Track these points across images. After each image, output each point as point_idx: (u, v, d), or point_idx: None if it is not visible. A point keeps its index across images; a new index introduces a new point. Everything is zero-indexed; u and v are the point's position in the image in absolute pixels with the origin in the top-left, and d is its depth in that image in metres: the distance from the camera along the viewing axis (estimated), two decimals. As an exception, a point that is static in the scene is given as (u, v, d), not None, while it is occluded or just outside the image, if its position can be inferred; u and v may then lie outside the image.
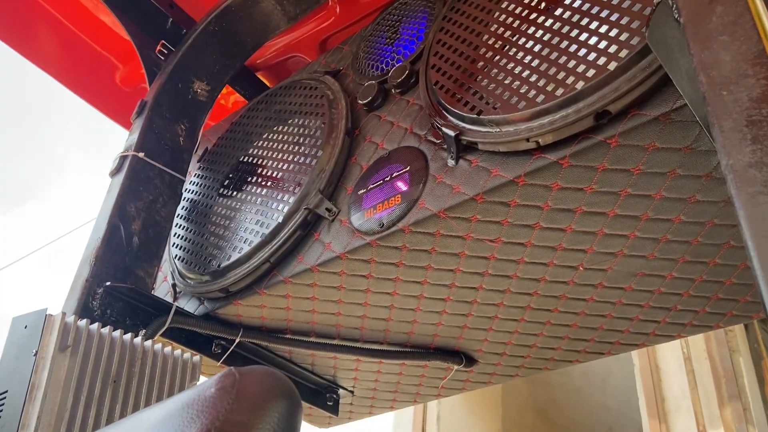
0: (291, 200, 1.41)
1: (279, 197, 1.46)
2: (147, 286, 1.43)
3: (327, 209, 1.36)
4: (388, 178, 1.29)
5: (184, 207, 1.73)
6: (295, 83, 1.72)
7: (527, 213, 1.15)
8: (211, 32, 1.76)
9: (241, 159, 1.68)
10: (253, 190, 1.55)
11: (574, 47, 1.09)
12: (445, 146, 1.22)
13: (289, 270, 1.38)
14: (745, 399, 2.92)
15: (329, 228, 1.35)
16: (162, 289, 1.64)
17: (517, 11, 1.25)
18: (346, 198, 1.36)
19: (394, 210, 1.23)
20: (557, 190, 1.09)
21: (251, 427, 0.55)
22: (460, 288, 1.36)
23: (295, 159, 1.50)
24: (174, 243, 1.65)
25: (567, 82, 1.06)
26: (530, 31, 1.19)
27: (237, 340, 1.53)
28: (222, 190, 1.65)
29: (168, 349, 1.24)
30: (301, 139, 1.52)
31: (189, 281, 1.55)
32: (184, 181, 1.61)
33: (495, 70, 1.20)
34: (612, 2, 1.08)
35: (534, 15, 1.21)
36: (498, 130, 1.12)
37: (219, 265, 1.47)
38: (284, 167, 1.51)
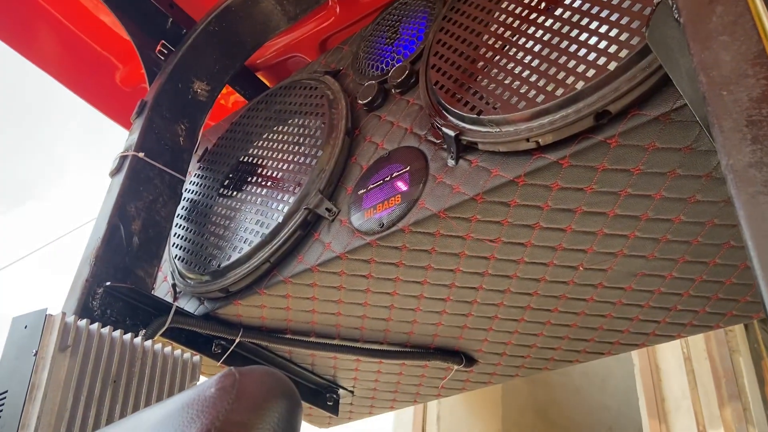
0: (291, 200, 1.41)
1: (279, 197, 1.46)
2: (147, 286, 1.43)
3: (327, 209, 1.36)
4: (388, 178, 1.29)
5: (184, 207, 1.73)
6: (295, 83, 1.72)
7: (527, 213, 1.15)
8: (211, 32, 1.76)
9: (241, 159, 1.68)
10: (253, 190, 1.55)
11: (574, 47, 1.09)
12: (445, 146, 1.22)
13: (289, 270, 1.38)
14: (745, 399, 2.92)
15: (329, 228, 1.35)
16: (162, 289, 1.64)
17: (517, 11, 1.25)
18: (346, 198, 1.36)
19: (394, 210, 1.23)
20: (557, 190, 1.09)
21: (251, 427, 0.55)
22: (460, 288, 1.36)
23: (295, 159, 1.50)
24: (174, 243, 1.65)
25: (567, 82, 1.06)
26: (530, 31, 1.19)
27: (237, 340, 1.53)
28: (222, 190, 1.65)
29: (168, 349, 1.24)
30: (301, 139, 1.52)
31: (189, 281, 1.55)
32: (184, 181, 1.61)
33: (495, 70, 1.20)
34: (612, 2, 1.08)
35: (534, 15, 1.21)
36: (498, 130, 1.12)
37: (219, 265, 1.47)
38: (284, 167, 1.51)
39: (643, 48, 0.97)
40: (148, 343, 1.21)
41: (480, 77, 1.22)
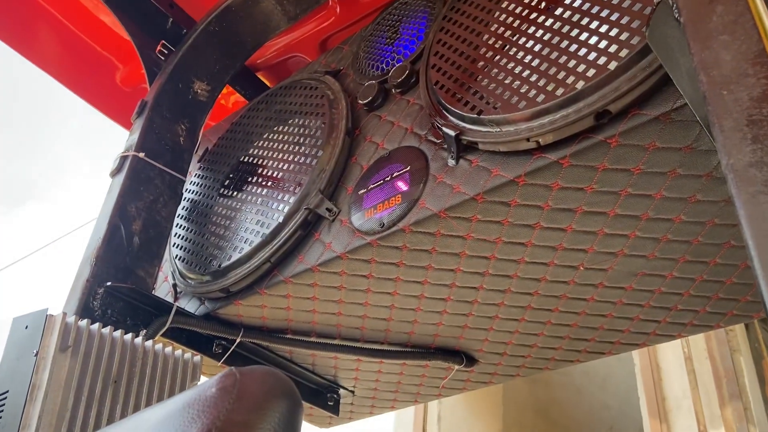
0: (291, 200, 1.41)
1: (279, 197, 1.46)
2: (148, 286, 1.43)
3: (327, 209, 1.36)
4: (388, 178, 1.29)
5: (184, 207, 1.73)
6: (295, 83, 1.72)
7: (528, 213, 1.15)
8: (212, 32, 1.77)
9: (241, 159, 1.68)
10: (253, 190, 1.55)
11: (574, 47, 1.09)
12: (446, 146, 1.22)
13: (289, 270, 1.38)
14: (745, 398, 2.92)
15: (330, 228, 1.35)
16: (163, 289, 1.64)
17: (518, 11, 1.25)
18: (347, 198, 1.36)
19: (394, 210, 1.23)
20: (558, 189, 1.09)
21: (252, 426, 0.55)
22: (461, 288, 1.36)
23: (296, 159, 1.50)
24: (174, 243, 1.65)
25: (567, 81, 1.06)
26: (530, 31, 1.19)
27: (238, 340, 1.53)
28: (222, 190, 1.65)
29: (169, 349, 1.24)
30: (302, 139, 1.52)
31: (190, 281, 1.55)
32: (184, 181, 1.61)
33: (495, 70, 1.20)
34: (612, 2, 1.08)
35: (534, 14, 1.21)
36: (498, 129, 1.12)
37: (220, 265, 1.47)
38: (285, 167, 1.51)
39: (643, 47, 0.97)
40: (149, 343, 1.21)
41: (480, 77, 1.22)
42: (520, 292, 1.35)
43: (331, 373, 1.78)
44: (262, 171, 1.57)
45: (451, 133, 1.17)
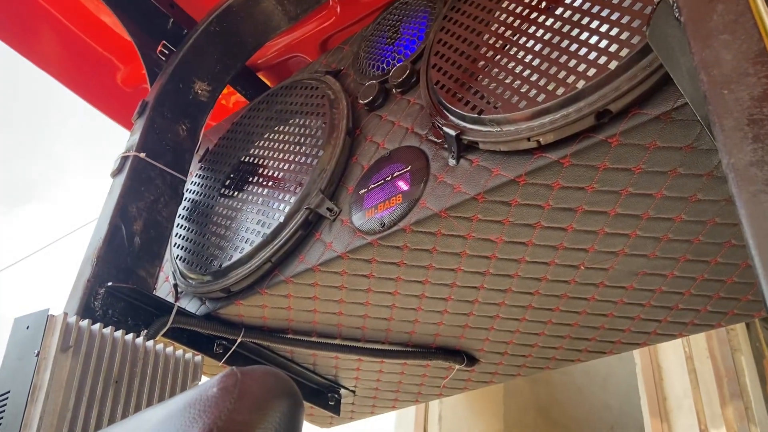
0: (292, 200, 1.41)
1: (280, 197, 1.46)
2: (148, 286, 1.43)
3: (328, 209, 1.36)
4: (389, 178, 1.29)
5: (185, 207, 1.73)
6: (296, 83, 1.72)
7: (528, 212, 1.15)
8: (212, 32, 1.77)
9: (242, 159, 1.68)
10: (254, 190, 1.55)
11: (574, 46, 1.09)
12: (446, 146, 1.22)
13: (290, 270, 1.38)
14: (746, 398, 2.92)
15: (330, 228, 1.35)
16: (163, 290, 1.64)
17: (518, 10, 1.25)
18: (348, 198, 1.36)
19: (395, 209, 1.24)
20: (558, 189, 1.09)
21: (253, 426, 0.55)
22: (462, 287, 1.36)
23: (296, 159, 1.50)
24: (175, 243, 1.66)
25: (568, 81, 1.06)
26: (531, 30, 1.19)
27: (239, 340, 1.53)
28: (223, 190, 1.65)
29: (170, 349, 1.24)
30: (302, 139, 1.53)
31: (190, 281, 1.55)
32: (185, 182, 1.61)
33: (496, 70, 1.20)
34: (612, 1, 1.08)
35: (535, 14, 1.21)
36: (499, 129, 1.12)
37: (220, 265, 1.47)
38: (285, 167, 1.51)
39: (643, 47, 0.97)
40: (150, 343, 1.21)
41: (481, 76, 1.22)
42: (520, 291, 1.35)
43: (332, 373, 1.79)
44: (263, 171, 1.57)
45: (452, 132, 1.17)
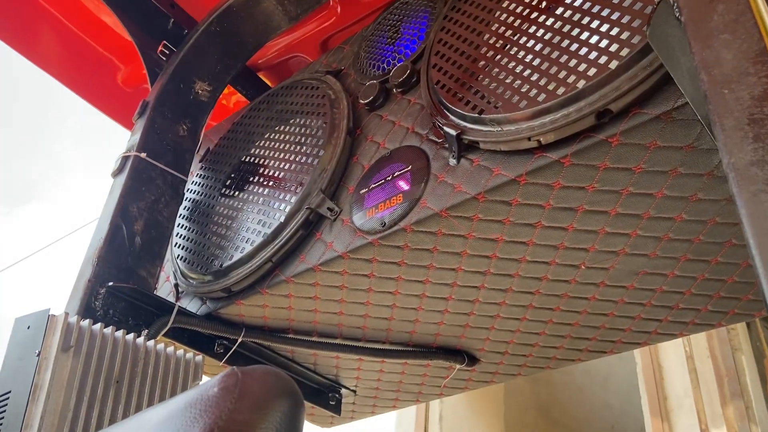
0: (293, 200, 1.41)
1: (281, 197, 1.46)
2: (149, 286, 1.43)
3: (329, 209, 1.36)
4: (389, 178, 1.30)
5: (186, 207, 1.73)
6: (296, 83, 1.72)
7: (529, 212, 1.15)
8: (213, 32, 1.77)
9: (242, 159, 1.68)
10: (254, 190, 1.56)
11: (575, 46, 1.09)
12: (447, 145, 1.22)
13: (291, 269, 1.38)
14: (747, 397, 2.92)
15: (331, 227, 1.35)
16: (164, 289, 1.64)
17: (518, 10, 1.25)
18: (348, 197, 1.36)
19: (395, 209, 1.24)
20: (559, 188, 1.09)
21: (254, 426, 0.55)
22: (462, 287, 1.36)
23: (297, 159, 1.50)
24: (176, 243, 1.66)
25: (568, 80, 1.06)
26: (531, 30, 1.19)
27: (239, 340, 1.53)
28: (224, 190, 1.65)
29: (170, 349, 1.24)
30: (303, 139, 1.53)
31: (191, 281, 1.55)
32: (186, 181, 1.61)
33: (496, 69, 1.20)
34: (613, 1, 1.08)
35: (535, 14, 1.21)
36: (499, 129, 1.12)
37: (221, 265, 1.47)
38: (286, 167, 1.51)
39: (644, 47, 0.97)
40: (151, 343, 1.21)
41: (481, 76, 1.22)
42: (521, 291, 1.35)
43: (333, 373, 1.79)
44: (264, 171, 1.57)
45: (453, 132, 1.17)
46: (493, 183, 1.11)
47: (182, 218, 1.70)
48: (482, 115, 1.15)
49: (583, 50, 1.07)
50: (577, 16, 1.12)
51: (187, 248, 1.61)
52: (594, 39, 1.07)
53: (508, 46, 1.21)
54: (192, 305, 1.54)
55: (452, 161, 1.20)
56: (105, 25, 1.99)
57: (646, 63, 0.97)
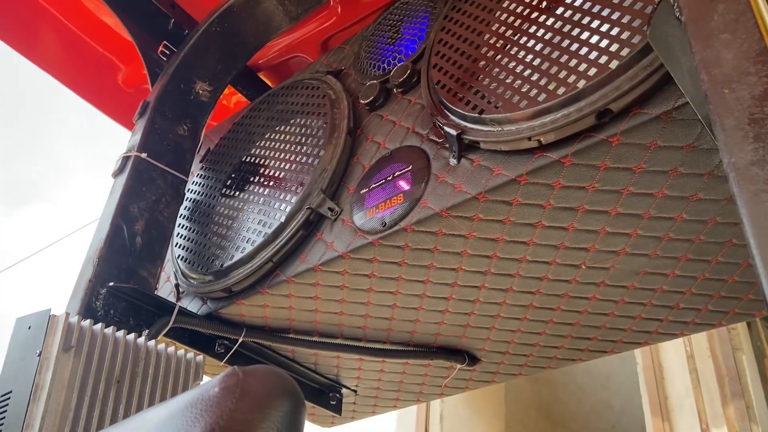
0: (293, 200, 1.41)
1: (281, 197, 1.46)
2: (150, 286, 1.43)
3: (329, 209, 1.36)
4: (390, 178, 1.30)
5: (186, 207, 1.73)
6: (297, 83, 1.72)
7: (529, 211, 1.15)
8: (213, 33, 1.77)
9: (243, 159, 1.68)
10: (255, 190, 1.56)
11: (575, 46, 1.09)
12: (447, 145, 1.22)
13: (291, 269, 1.38)
14: (748, 397, 2.92)
15: (332, 227, 1.35)
16: (165, 289, 1.64)
17: (519, 10, 1.25)
18: (349, 197, 1.36)
19: (396, 209, 1.24)
20: (559, 188, 1.09)
21: (255, 426, 0.55)
22: (463, 287, 1.36)
23: (298, 159, 1.50)
24: (177, 243, 1.66)
25: (568, 80, 1.06)
26: (532, 30, 1.19)
27: (240, 340, 1.53)
28: (224, 190, 1.65)
29: (171, 349, 1.24)
30: (304, 139, 1.53)
31: (192, 281, 1.55)
32: (186, 182, 1.61)
33: (497, 69, 1.20)
34: (613, 1, 1.08)
35: (535, 14, 1.21)
36: (500, 129, 1.12)
37: (222, 265, 1.47)
38: (286, 167, 1.51)
39: (644, 46, 0.97)
40: (152, 343, 1.21)
41: (482, 76, 1.22)
42: (522, 290, 1.35)
43: (334, 373, 1.79)
44: (264, 171, 1.57)
45: (453, 132, 1.17)
46: (494, 183, 1.11)
47: (183, 218, 1.71)
48: (483, 115, 1.15)
49: (584, 50, 1.07)
50: (577, 16, 1.12)
51: (188, 248, 1.61)
52: (594, 39, 1.07)
53: (509, 45, 1.21)
54: (193, 305, 1.54)
55: (453, 161, 1.20)
56: (105, 25, 1.99)
57: (647, 63, 0.97)
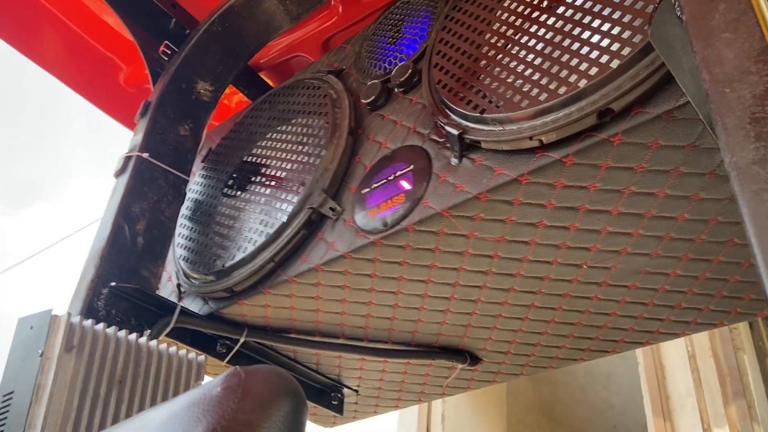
0: (295, 200, 1.41)
1: (283, 197, 1.46)
2: (152, 286, 1.43)
3: (331, 208, 1.36)
4: (391, 177, 1.30)
5: (188, 207, 1.73)
6: (298, 83, 1.72)
7: (531, 211, 1.15)
8: (214, 32, 1.77)
9: (244, 159, 1.68)
10: (257, 190, 1.56)
11: (576, 45, 1.09)
12: (449, 145, 1.22)
13: (293, 269, 1.38)
14: (749, 397, 2.91)
15: (333, 227, 1.35)
16: (167, 289, 1.64)
17: (520, 9, 1.25)
18: (350, 197, 1.37)
19: (397, 209, 1.24)
20: (561, 188, 1.09)
21: (257, 425, 0.55)
22: (464, 287, 1.36)
23: (299, 158, 1.50)
24: (178, 243, 1.66)
25: (570, 80, 1.06)
26: (533, 30, 1.19)
27: (242, 340, 1.53)
28: (226, 190, 1.65)
29: (173, 349, 1.24)
30: (305, 139, 1.53)
31: (193, 281, 1.55)
32: (188, 181, 1.61)
33: (498, 69, 1.20)
34: (614, 0, 1.08)
35: (537, 13, 1.21)
36: (501, 128, 1.12)
37: (223, 265, 1.47)
38: (288, 167, 1.51)
39: (645, 46, 0.97)
40: (153, 343, 1.21)
41: (483, 76, 1.22)
42: (523, 290, 1.35)
43: (335, 373, 1.79)
44: (266, 171, 1.57)
45: (454, 131, 1.17)
46: (495, 182, 1.11)
47: (184, 218, 1.71)
48: (484, 115, 1.15)
49: (585, 49, 1.07)
50: (578, 15, 1.12)
51: (190, 248, 1.61)
52: (595, 38, 1.07)
53: (510, 45, 1.21)
54: (194, 305, 1.54)
55: (454, 161, 1.20)
56: (107, 25, 1.99)
57: (648, 62, 0.97)
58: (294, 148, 1.54)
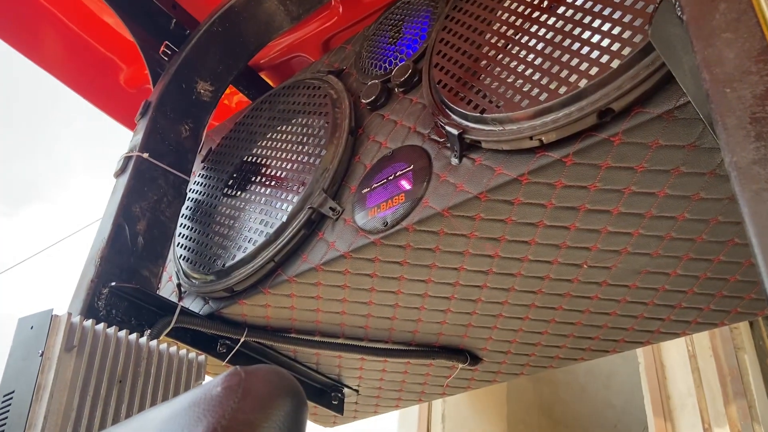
0: (295, 199, 1.41)
1: (283, 197, 1.46)
2: (152, 286, 1.43)
3: (331, 208, 1.36)
4: (391, 177, 1.30)
5: (188, 207, 1.73)
6: (298, 83, 1.72)
7: (531, 211, 1.15)
8: (215, 33, 1.77)
9: (245, 159, 1.68)
10: (257, 190, 1.56)
11: (576, 45, 1.09)
12: (449, 145, 1.22)
13: (293, 269, 1.38)
14: (750, 396, 2.91)
15: (333, 227, 1.36)
16: (167, 289, 1.64)
17: (520, 9, 1.25)
18: (350, 197, 1.37)
19: (398, 209, 1.24)
20: (561, 188, 1.09)
21: (257, 425, 0.55)
22: (465, 286, 1.36)
23: (299, 158, 1.50)
24: (179, 243, 1.66)
25: (570, 80, 1.06)
26: (533, 30, 1.19)
27: (242, 340, 1.53)
28: (226, 189, 1.65)
29: (173, 348, 1.24)
30: (305, 139, 1.53)
31: (194, 281, 1.55)
32: (188, 181, 1.61)
33: (498, 69, 1.20)
34: (615, 0, 1.08)
35: (537, 13, 1.21)
36: (501, 128, 1.12)
37: (223, 265, 1.47)
38: (288, 167, 1.51)
39: (646, 46, 0.97)
40: (154, 342, 1.21)
41: (483, 76, 1.22)
42: (523, 290, 1.35)
43: (336, 372, 1.79)
44: (266, 170, 1.57)
45: (454, 131, 1.17)
46: (495, 182, 1.11)
47: (185, 218, 1.71)
48: (484, 115, 1.15)
49: (585, 49, 1.07)
50: (578, 15, 1.12)
51: (190, 248, 1.61)
52: (596, 38, 1.07)
53: (510, 45, 1.21)
54: (194, 305, 1.54)
55: (454, 160, 1.20)
56: (107, 25, 1.99)
57: (648, 62, 0.97)
58: (294, 148, 1.54)
